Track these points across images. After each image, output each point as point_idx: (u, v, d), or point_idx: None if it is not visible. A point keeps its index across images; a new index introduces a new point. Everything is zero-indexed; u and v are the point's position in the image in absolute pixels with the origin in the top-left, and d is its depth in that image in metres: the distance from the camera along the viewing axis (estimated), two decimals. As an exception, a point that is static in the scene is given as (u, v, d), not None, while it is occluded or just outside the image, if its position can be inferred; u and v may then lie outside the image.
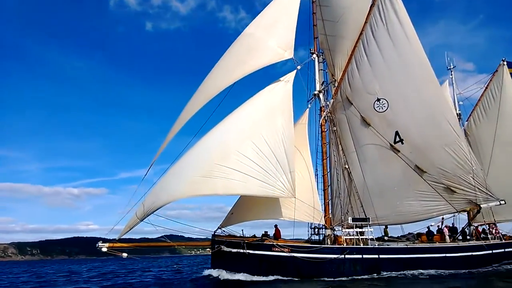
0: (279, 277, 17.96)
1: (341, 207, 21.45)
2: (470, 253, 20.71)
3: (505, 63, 26.85)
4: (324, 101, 22.67)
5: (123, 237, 18.20)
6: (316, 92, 22.57)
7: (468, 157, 20.55)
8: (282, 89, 19.87)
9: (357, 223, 19.97)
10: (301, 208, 19.58)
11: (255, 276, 17.79)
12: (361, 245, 19.36)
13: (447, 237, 21.87)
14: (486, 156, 25.89)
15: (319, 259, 18.34)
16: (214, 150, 17.64)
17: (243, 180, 17.15)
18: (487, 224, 23.88)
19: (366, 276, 18.35)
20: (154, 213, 17.36)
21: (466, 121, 27.83)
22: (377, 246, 19.71)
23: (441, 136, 20.56)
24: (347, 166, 21.78)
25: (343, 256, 18.57)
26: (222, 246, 18.04)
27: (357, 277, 18.23)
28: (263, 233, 19.24)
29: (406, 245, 20.63)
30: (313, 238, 21.16)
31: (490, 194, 20.75)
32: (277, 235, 19.58)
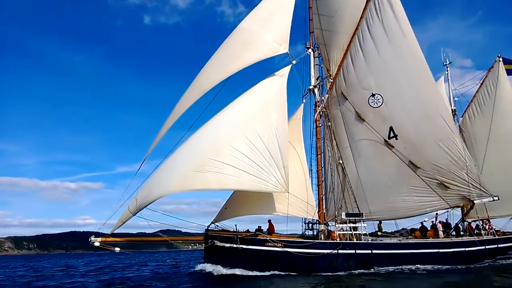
0: (276, 272, 17.97)
1: (334, 202, 21.47)
2: (462, 249, 20.81)
3: (500, 59, 26.81)
4: (319, 96, 22.61)
5: (118, 232, 18.17)
6: (311, 87, 22.48)
7: (462, 153, 20.57)
8: (277, 84, 19.80)
9: (350, 218, 19.99)
10: (295, 203, 19.57)
11: (248, 271, 17.80)
12: (354, 240, 19.41)
13: (440, 232, 21.92)
14: (480, 152, 25.94)
15: (312, 254, 18.39)
16: (207, 145, 17.58)
17: (236, 175, 17.12)
18: (480, 220, 23.96)
19: (363, 271, 18.41)
20: (147, 207, 17.32)
21: (461, 117, 27.85)
22: (370, 242, 19.74)
23: (435, 132, 20.55)
24: (341, 161, 21.77)
25: (336, 251, 18.62)
26: (215, 241, 18.05)
27: (352, 272, 18.25)
28: (257, 228, 19.26)
29: (399, 240, 20.70)
30: (307, 233, 21.21)
31: (484, 190, 20.78)
32: (271, 230, 19.60)
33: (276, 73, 20.18)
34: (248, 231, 18.90)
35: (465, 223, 24.13)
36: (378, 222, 22.42)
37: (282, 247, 18.26)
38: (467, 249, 20.91)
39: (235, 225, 19.21)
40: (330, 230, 20.69)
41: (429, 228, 22.47)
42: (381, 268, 18.69)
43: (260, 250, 18.21)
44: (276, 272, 17.99)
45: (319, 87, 22.74)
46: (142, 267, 29.54)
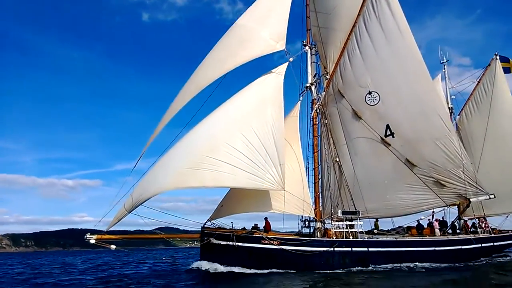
0: (274, 270, 17.93)
1: (331, 200, 21.44)
2: (458, 247, 20.86)
3: (497, 57, 26.78)
4: (316, 93, 22.56)
5: (115, 229, 18.11)
6: (308, 85, 22.41)
7: (459, 151, 20.59)
8: (273, 81, 19.72)
9: (347, 216, 19.99)
10: (291, 201, 19.54)
11: (245, 269, 17.76)
12: (351, 238, 19.41)
13: (437, 230, 21.97)
14: (477, 150, 25.96)
15: (308, 252, 18.38)
16: (203, 142, 17.50)
17: (232, 172, 17.06)
18: (477, 218, 23.99)
19: (360, 268, 18.42)
20: (144, 205, 17.26)
21: (458, 115, 27.81)
22: (366, 239, 19.76)
23: (432, 130, 20.56)
24: (337, 159, 21.74)
25: (332, 249, 18.61)
26: (211, 239, 18.02)
27: (350, 270, 18.24)
28: (253, 225, 19.25)
29: (395, 238, 20.72)
30: (303, 231, 21.20)
31: (480, 188, 20.84)
32: (267, 227, 19.56)
33: (273, 70, 20.08)
34: (244, 228, 18.85)
35: (462, 221, 24.21)
36: (374, 220, 22.42)
37: (278, 244, 18.24)
38: (463, 247, 20.99)
39: (231, 222, 19.17)
40: (327, 228, 20.69)
41: (425, 226, 22.52)
42: (377, 266, 18.71)
43: (256, 248, 18.17)
44: (274, 270, 17.93)
45: (316, 84, 22.68)
46: (140, 264, 29.53)
